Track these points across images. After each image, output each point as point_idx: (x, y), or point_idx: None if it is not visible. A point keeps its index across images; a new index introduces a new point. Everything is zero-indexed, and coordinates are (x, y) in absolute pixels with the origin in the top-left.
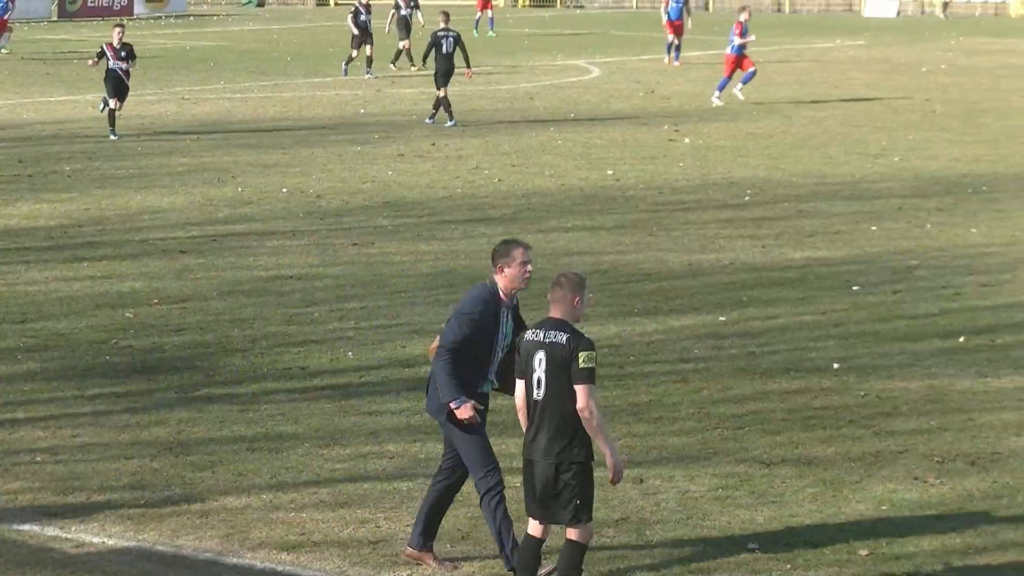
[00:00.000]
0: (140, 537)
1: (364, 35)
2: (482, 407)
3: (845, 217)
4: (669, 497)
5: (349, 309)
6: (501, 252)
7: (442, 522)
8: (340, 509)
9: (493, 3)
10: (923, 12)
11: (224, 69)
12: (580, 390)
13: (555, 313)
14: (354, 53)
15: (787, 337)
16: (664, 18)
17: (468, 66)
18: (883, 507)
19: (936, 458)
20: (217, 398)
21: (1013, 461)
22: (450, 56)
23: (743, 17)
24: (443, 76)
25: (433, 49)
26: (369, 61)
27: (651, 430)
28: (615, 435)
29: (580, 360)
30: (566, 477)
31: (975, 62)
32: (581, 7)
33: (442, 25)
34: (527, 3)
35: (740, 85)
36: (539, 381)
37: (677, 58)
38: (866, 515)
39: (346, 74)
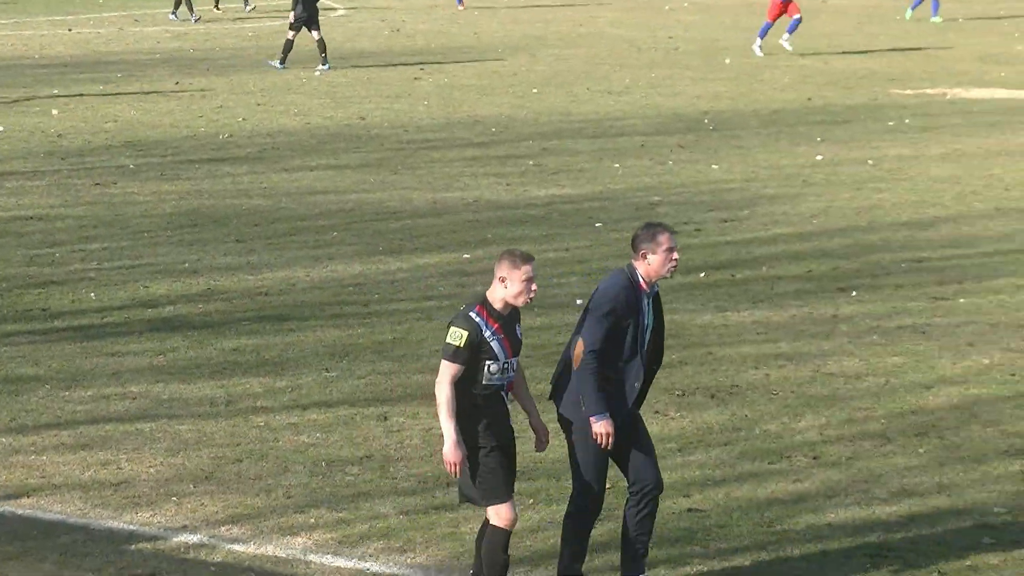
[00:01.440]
0: None
1: None
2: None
3: (588, 155)
4: (413, 434)
5: (91, 250)
6: (644, 237)
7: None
8: (81, 451)
9: None
10: None
11: None
12: (440, 366)
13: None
14: None
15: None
16: None
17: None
18: None
19: (677, 391)
20: None
21: (751, 394)
22: None
23: None
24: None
25: None
26: (190, 5)
27: (395, 368)
28: (360, 372)
29: (446, 335)
30: (473, 461)
31: (717, 0)
32: None
33: None
34: None
35: (786, 35)
36: None
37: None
38: None
39: (194, 19)
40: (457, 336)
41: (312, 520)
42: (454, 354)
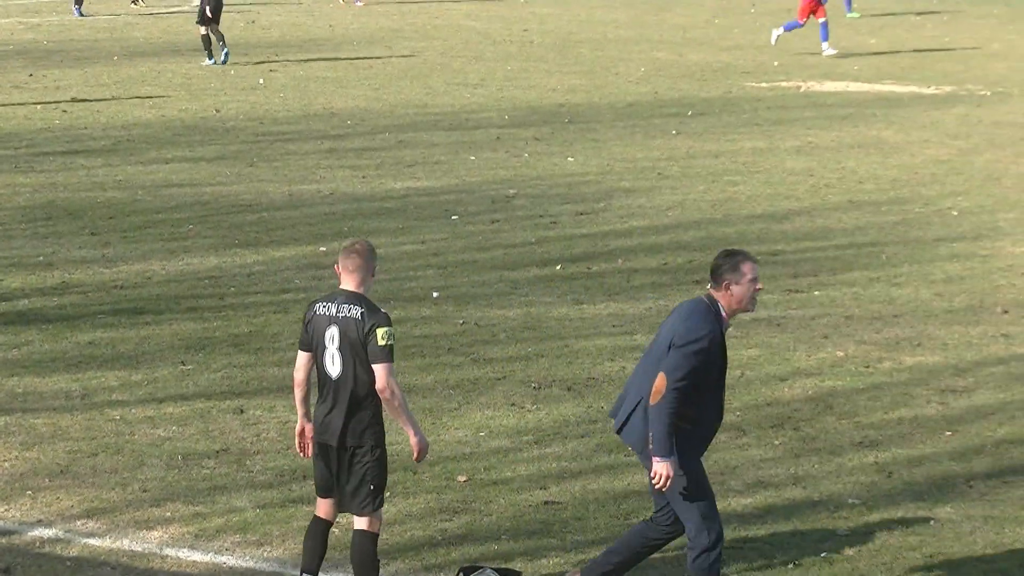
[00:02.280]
0: None
1: None
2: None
3: (445, 147)
4: (270, 427)
5: None
6: (727, 267)
7: None
8: None
9: None
10: None
11: None
12: (380, 369)
13: (349, 284)
14: None
15: (387, 267)
16: None
17: None
18: (481, 433)
19: (533, 384)
20: None
21: (607, 386)
22: None
23: None
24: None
25: None
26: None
27: (252, 360)
28: (216, 365)
29: (378, 337)
30: (362, 462)
31: None
32: None
33: None
34: None
35: (824, 45)
36: (333, 358)
37: None
38: (465, 441)
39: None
40: (393, 335)
41: (168, 514)
42: (392, 352)
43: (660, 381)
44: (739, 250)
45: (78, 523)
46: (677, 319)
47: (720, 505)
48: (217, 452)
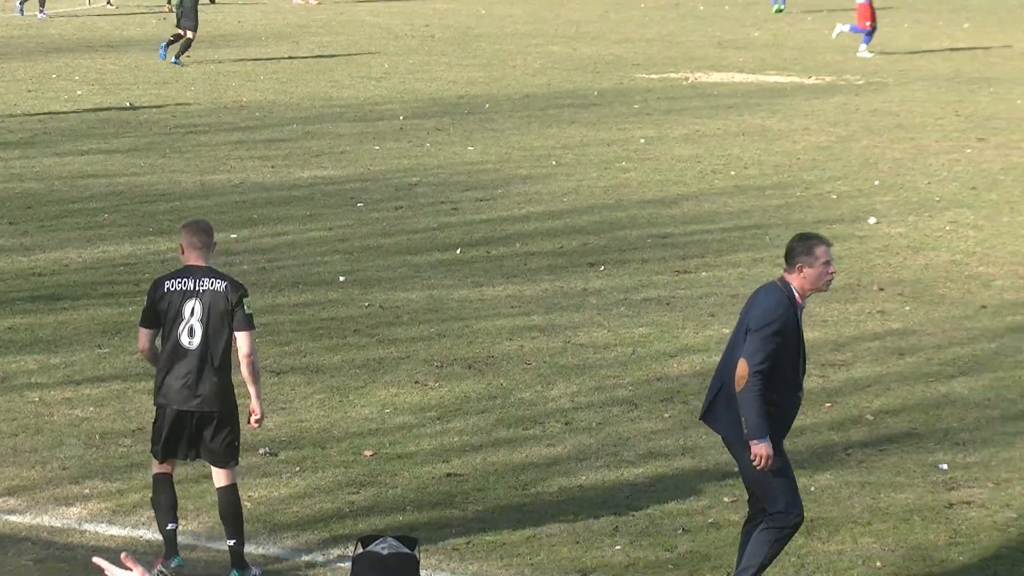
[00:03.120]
0: None
1: None
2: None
3: (350, 137)
4: None
5: None
6: (800, 250)
7: None
8: None
9: None
10: None
11: None
12: (245, 336)
13: (200, 260)
14: None
15: (295, 253)
16: None
17: None
18: (387, 410)
19: (436, 363)
20: None
21: (506, 364)
22: None
23: None
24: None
25: None
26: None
27: None
28: (132, 348)
29: (244, 307)
30: (225, 423)
31: None
32: None
33: None
34: None
35: (863, 46)
36: (191, 329)
37: None
38: (370, 418)
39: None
40: (251, 305)
41: (87, 491)
42: (253, 320)
43: (742, 367)
44: (814, 234)
45: None
46: (751, 304)
47: (613, 475)
48: (133, 431)
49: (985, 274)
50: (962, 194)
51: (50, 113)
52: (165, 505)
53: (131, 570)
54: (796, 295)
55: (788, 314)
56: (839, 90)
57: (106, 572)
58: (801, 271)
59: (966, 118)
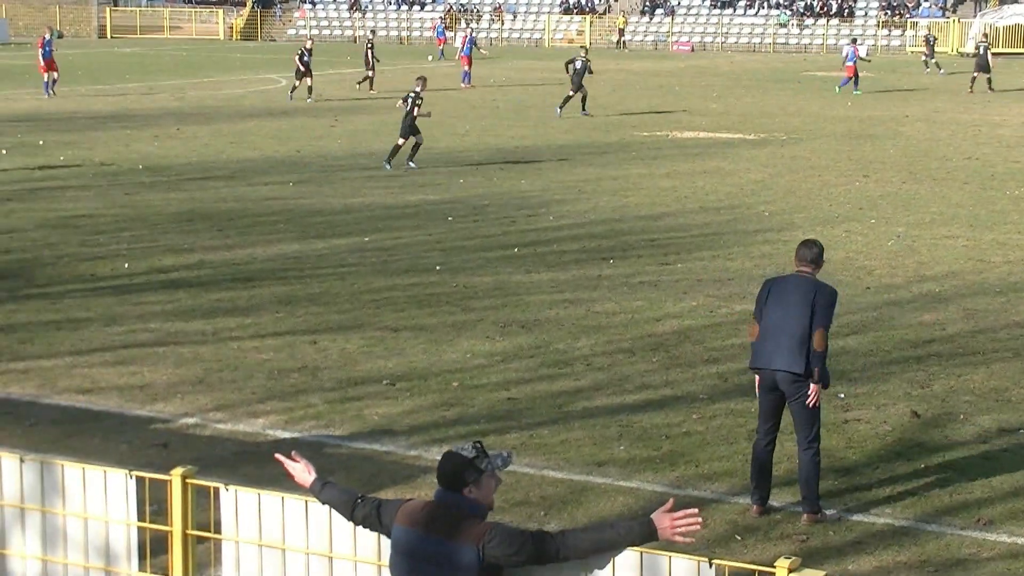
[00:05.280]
0: None
1: (307, 71)
2: None
3: (444, 174)
4: (334, 351)
5: (123, 236)
6: (821, 251)
7: None
8: (119, 366)
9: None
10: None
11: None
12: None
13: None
14: (297, 83)
15: (407, 250)
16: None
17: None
18: (467, 355)
19: (500, 324)
20: (35, 296)
21: (547, 325)
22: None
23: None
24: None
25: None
26: (310, 90)
27: (322, 310)
28: (299, 314)
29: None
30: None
31: (523, 76)
32: (274, 40)
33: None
34: (238, 37)
35: (855, 92)
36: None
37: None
38: (457, 360)
39: (291, 100)
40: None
41: (268, 408)
42: None
43: (821, 335)
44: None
45: (210, 415)
46: (810, 289)
47: (618, 400)
48: (299, 368)
49: (868, 266)
50: (853, 213)
51: (245, 157)
52: None
53: (298, 462)
54: None
55: None
56: (769, 143)
57: (283, 463)
58: (821, 267)
59: (855, 161)
